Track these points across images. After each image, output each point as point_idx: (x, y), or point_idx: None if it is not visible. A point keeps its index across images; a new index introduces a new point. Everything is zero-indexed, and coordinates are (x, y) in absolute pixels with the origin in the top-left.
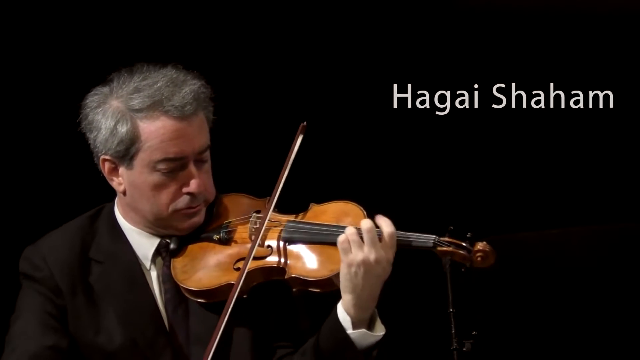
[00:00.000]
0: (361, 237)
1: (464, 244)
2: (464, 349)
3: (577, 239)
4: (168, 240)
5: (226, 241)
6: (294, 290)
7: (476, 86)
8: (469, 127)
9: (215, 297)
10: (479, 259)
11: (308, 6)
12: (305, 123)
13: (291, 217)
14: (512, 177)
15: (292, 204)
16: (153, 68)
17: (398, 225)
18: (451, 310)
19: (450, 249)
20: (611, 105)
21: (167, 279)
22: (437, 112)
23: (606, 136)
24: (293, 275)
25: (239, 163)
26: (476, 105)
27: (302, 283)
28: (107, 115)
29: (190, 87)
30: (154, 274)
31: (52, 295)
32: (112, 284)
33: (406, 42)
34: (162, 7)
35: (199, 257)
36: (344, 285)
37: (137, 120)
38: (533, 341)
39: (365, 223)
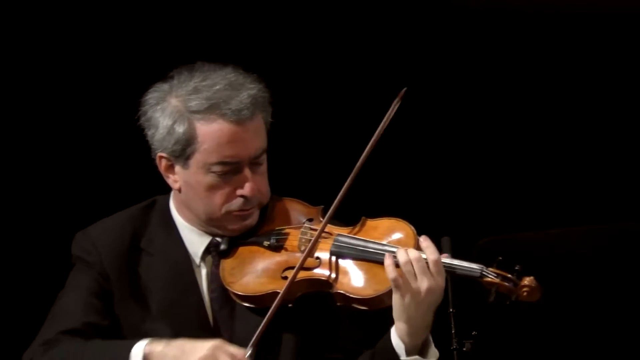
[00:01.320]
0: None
1: (510, 277)
2: (464, 349)
3: (577, 239)
4: (219, 240)
5: (275, 248)
6: (338, 304)
7: (476, 86)
8: (468, 127)
9: (260, 303)
10: (524, 293)
11: (310, 8)
12: (405, 89)
13: (342, 230)
14: (512, 178)
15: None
16: (213, 68)
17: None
18: (451, 310)
19: (496, 280)
20: (611, 106)
21: (215, 278)
22: (437, 112)
23: (606, 136)
24: (338, 291)
25: (296, 165)
26: (476, 105)
27: (347, 299)
28: (165, 113)
29: (248, 91)
30: (203, 272)
31: (100, 279)
32: (161, 277)
33: (405, 42)
34: (226, 6)
35: (248, 261)
36: (397, 314)
37: (195, 122)
38: (533, 341)
39: (412, 253)
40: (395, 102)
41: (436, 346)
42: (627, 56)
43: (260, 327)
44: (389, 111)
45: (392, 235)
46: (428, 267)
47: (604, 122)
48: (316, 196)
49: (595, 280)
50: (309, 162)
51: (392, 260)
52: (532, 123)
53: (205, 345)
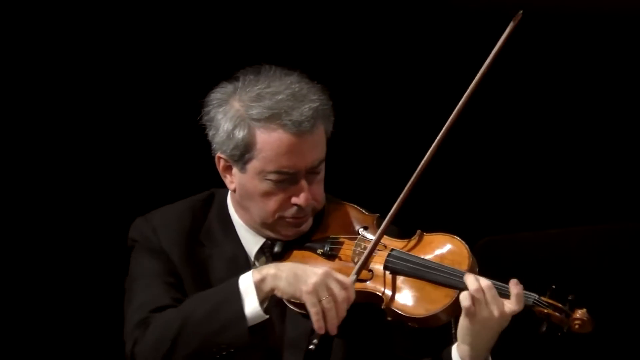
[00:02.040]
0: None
1: (563, 308)
2: None
3: (577, 239)
4: (273, 242)
5: (329, 256)
6: (388, 318)
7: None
8: (468, 127)
9: None
10: (576, 326)
11: (310, 9)
12: (521, 12)
13: (397, 243)
14: (511, 177)
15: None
16: (279, 74)
17: (397, 227)
18: None
19: (548, 310)
20: (611, 106)
21: None
22: (437, 112)
23: (606, 136)
24: (390, 307)
25: (354, 168)
26: (476, 105)
27: (398, 316)
28: (227, 116)
29: (310, 103)
30: None
31: (167, 262)
32: (219, 271)
33: (406, 42)
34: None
35: None
36: (462, 336)
37: (255, 129)
38: (533, 341)
39: (484, 281)
40: (512, 25)
41: (437, 346)
42: (627, 56)
43: (364, 256)
44: (505, 34)
45: (445, 253)
46: (502, 295)
47: (604, 122)
48: (373, 199)
49: (595, 280)
50: (361, 165)
51: (468, 288)
52: (532, 123)
53: (316, 271)
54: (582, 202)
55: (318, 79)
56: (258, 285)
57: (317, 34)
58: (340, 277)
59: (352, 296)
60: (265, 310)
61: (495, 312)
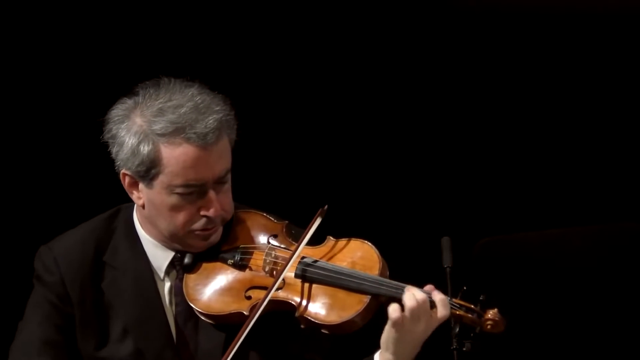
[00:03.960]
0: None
1: (474, 308)
2: (464, 349)
3: (577, 239)
4: (183, 255)
5: (240, 267)
6: (302, 326)
7: (476, 86)
8: (468, 127)
9: (223, 321)
10: (488, 326)
11: (309, 10)
12: (325, 207)
13: (308, 251)
14: (512, 178)
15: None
16: (179, 86)
17: (397, 227)
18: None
19: (460, 312)
20: (611, 106)
21: (179, 292)
22: (437, 112)
23: (606, 136)
24: (302, 315)
25: (257, 172)
26: (476, 105)
27: (311, 324)
28: (130, 133)
29: (214, 115)
30: (166, 285)
31: (60, 303)
32: (124, 291)
33: (406, 42)
34: (190, 20)
35: (211, 278)
36: (386, 344)
37: (160, 144)
38: (533, 341)
39: (419, 296)
40: (316, 217)
41: (436, 346)
42: (627, 56)
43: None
44: (310, 226)
45: (356, 259)
46: (431, 308)
47: (604, 122)
48: (281, 205)
49: (595, 280)
50: (267, 171)
51: (406, 305)
52: (532, 123)
53: None
54: (582, 202)
55: (308, 76)
56: None
57: (312, 32)
58: None
59: None
60: None
61: (423, 324)
